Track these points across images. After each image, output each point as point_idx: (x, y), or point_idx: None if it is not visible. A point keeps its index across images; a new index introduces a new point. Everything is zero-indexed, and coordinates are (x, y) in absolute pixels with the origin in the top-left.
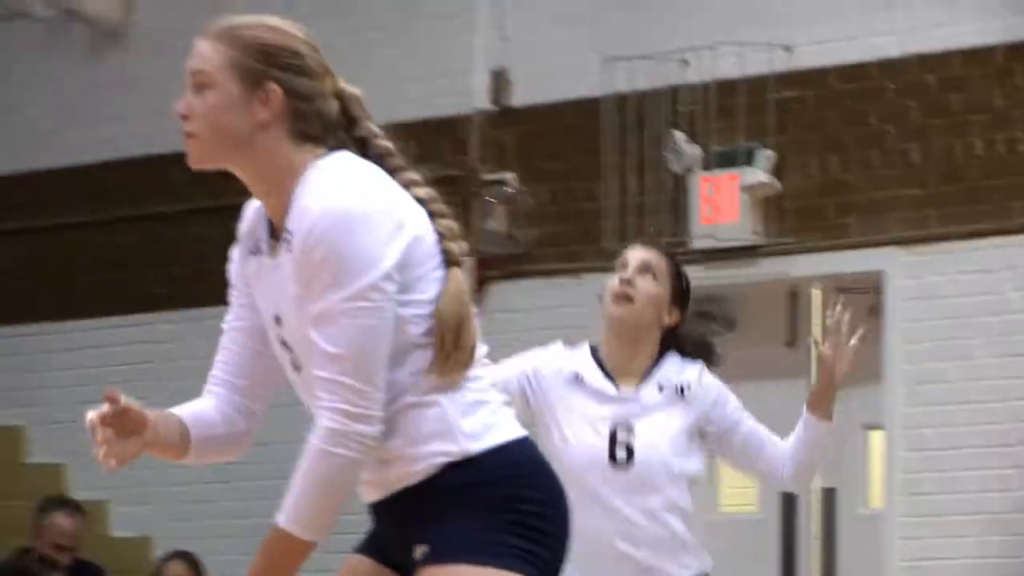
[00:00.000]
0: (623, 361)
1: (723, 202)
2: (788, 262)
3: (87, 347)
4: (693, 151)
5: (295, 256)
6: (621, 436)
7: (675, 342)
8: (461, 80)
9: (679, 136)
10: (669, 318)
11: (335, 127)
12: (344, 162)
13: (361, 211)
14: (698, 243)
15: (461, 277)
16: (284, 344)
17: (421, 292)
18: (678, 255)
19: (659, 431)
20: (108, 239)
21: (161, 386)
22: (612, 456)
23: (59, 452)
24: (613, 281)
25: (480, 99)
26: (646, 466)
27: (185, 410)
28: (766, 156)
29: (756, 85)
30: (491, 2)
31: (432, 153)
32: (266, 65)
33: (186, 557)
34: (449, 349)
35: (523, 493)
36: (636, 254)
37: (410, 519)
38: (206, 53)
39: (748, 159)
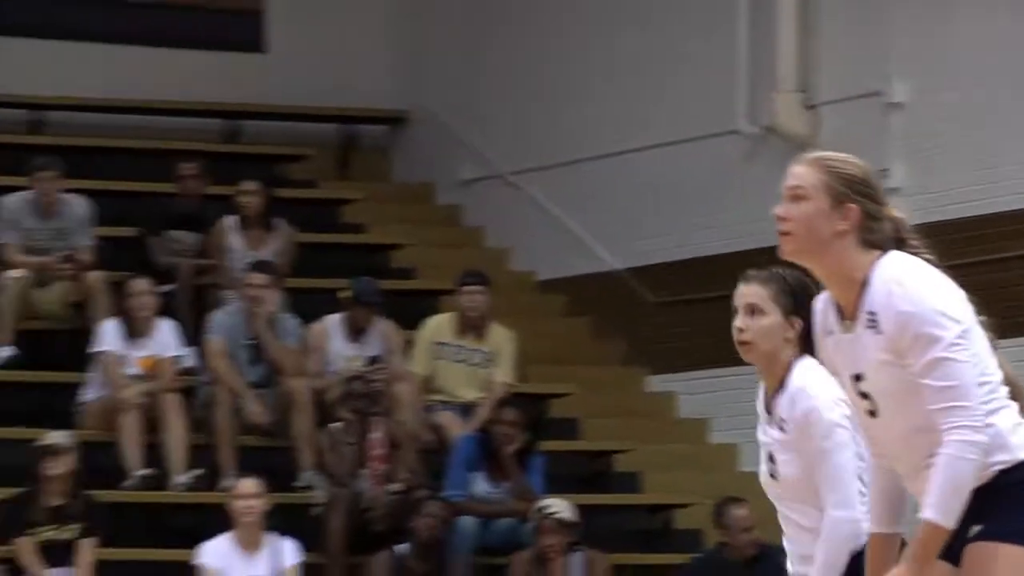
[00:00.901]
0: (768, 385)
1: None
2: None
3: None
4: None
5: (886, 330)
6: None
7: (808, 344)
8: None
9: None
10: (793, 330)
11: (890, 241)
12: (907, 257)
13: (935, 290)
14: None
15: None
16: (863, 395)
17: (973, 345)
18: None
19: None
20: None
21: None
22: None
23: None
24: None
25: None
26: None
27: (878, 511)
28: None
29: None
30: None
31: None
32: (849, 190)
33: None
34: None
35: None
36: (739, 298)
37: (971, 511)
38: (803, 174)
39: None
